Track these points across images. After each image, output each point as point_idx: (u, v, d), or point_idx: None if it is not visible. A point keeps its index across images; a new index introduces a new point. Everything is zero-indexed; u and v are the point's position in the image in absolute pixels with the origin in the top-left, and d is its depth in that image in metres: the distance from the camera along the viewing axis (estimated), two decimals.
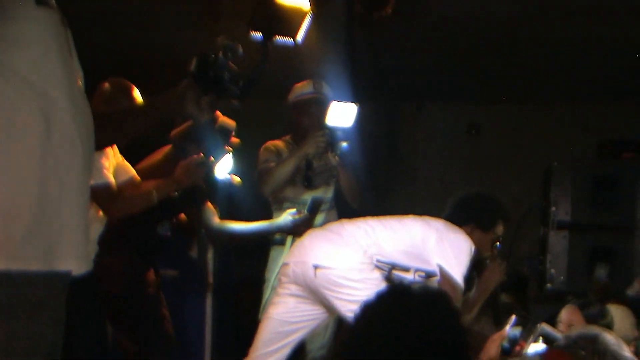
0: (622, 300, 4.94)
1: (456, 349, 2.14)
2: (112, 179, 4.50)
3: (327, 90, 5.49)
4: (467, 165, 9.51)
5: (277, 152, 5.45)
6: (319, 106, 5.40)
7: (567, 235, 6.06)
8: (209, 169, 4.60)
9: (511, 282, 6.71)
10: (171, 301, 5.69)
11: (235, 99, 2.58)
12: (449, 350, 2.12)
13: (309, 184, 5.35)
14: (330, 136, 5.24)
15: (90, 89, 4.67)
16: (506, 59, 7.78)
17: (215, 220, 5.36)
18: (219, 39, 2.54)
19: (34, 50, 2.02)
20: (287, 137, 5.56)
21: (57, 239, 2.03)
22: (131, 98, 4.58)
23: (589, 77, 8.21)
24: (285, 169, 5.31)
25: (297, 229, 5.07)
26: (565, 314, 4.70)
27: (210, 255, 5.80)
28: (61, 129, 2.04)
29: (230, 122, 4.68)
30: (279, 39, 3.62)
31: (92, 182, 4.44)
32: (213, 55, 2.49)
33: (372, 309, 2.21)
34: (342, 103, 5.37)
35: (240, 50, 2.52)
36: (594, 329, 3.05)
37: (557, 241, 6.07)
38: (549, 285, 6.05)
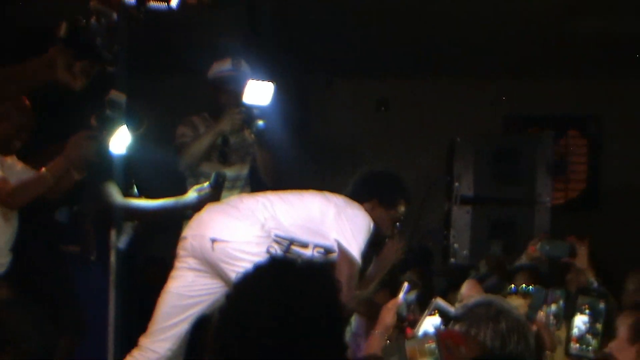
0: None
1: (330, 323, 2.15)
2: (1, 173, 4.46)
3: (245, 68, 5.50)
4: (377, 140, 9.55)
5: (194, 128, 5.46)
6: (237, 84, 5.41)
7: (470, 210, 6.15)
8: (101, 143, 4.54)
9: (415, 257, 6.81)
10: (76, 277, 5.65)
11: (109, 65, 2.51)
12: (322, 324, 2.12)
13: (225, 160, 5.36)
14: (247, 114, 5.25)
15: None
16: (414, 35, 7.83)
17: (118, 197, 5.32)
18: (91, 3, 2.46)
19: None
20: (204, 113, 5.56)
21: None
22: None
23: (496, 53, 8.30)
24: (201, 145, 5.32)
25: (203, 205, 5.05)
26: (466, 288, 4.77)
27: (113, 232, 5.72)
28: None
29: (119, 94, 4.61)
30: (153, 4, 3.57)
31: None
32: (85, 21, 2.42)
33: (249, 279, 2.20)
34: (259, 81, 5.35)
35: (115, 15, 2.45)
36: (489, 297, 3.10)
37: (460, 216, 6.16)
38: (452, 259, 6.13)
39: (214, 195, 5.13)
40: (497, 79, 9.17)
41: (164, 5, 3.60)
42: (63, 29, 2.41)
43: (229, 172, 5.40)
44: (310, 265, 2.27)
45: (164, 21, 4.88)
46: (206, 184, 5.15)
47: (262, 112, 5.35)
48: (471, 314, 2.84)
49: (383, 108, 9.52)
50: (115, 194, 5.30)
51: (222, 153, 5.38)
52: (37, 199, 4.68)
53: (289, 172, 8.91)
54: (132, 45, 3.29)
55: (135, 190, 5.44)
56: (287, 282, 2.14)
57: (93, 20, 2.42)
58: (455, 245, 6.14)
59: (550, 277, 5.16)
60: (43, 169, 4.51)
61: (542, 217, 6.03)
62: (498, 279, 4.75)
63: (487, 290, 4.60)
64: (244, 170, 5.55)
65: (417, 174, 9.27)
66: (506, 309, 2.84)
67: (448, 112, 9.34)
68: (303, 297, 2.11)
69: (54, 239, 5.46)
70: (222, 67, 5.54)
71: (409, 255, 5.19)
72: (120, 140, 4.72)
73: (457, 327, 2.85)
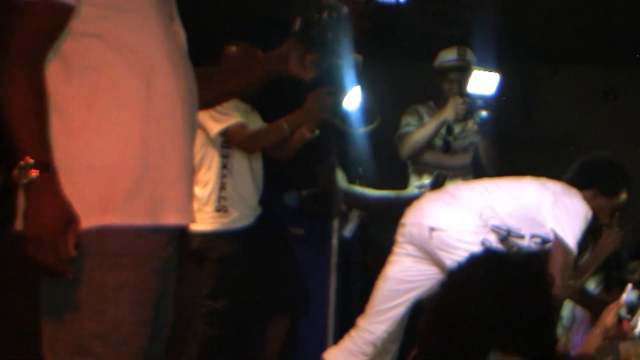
0: None
1: (542, 318, 2.19)
2: (240, 119, 4.73)
3: (471, 57, 5.53)
4: (603, 130, 9.30)
5: (419, 117, 5.55)
6: (462, 73, 5.45)
7: None
8: (337, 100, 4.70)
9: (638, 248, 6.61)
10: (299, 257, 5.88)
11: (339, 58, 2.61)
12: (535, 318, 2.17)
13: (448, 149, 5.42)
14: (470, 104, 5.28)
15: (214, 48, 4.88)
16: None
17: (343, 182, 5.49)
18: None
19: (135, 16, 2.15)
20: (430, 102, 5.63)
21: (160, 194, 2.17)
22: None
23: None
24: (424, 134, 5.40)
25: None
26: None
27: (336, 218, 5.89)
28: (162, 90, 2.17)
29: (357, 55, 4.75)
30: None
31: (224, 125, 4.74)
32: (317, 15, 2.52)
33: (463, 271, 2.27)
34: (484, 71, 5.37)
35: (345, 9, 2.53)
36: None
37: None
38: None
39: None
40: None
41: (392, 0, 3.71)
42: (297, 24, 2.54)
43: (453, 161, 5.46)
44: (524, 259, 2.32)
45: (391, 9, 5.01)
46: (427, 182, 5.22)
47: (486, 102, 5.36)
48: None
49: (611, 97, 9.26)
50: (341, 179, 5.47)
51: (446, 142, 5.44)
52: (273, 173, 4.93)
53: (512, 161, 8.87)
54: (360, 34, 3.41)
55: (360, 176, 5.59)
56: (501, 275, 2.19)
57: (325, 14, 2.51)
58: None
59: None
60: (282, 121, 4.75)
61: None
62: None
63: None
64: (467, 159, 5.59)
65: None
66: None
67: None
68: (516, 291, 2.16)
69: (283, 222, 5.71)
70: (448, 56, 5.59)
71: (630, 245, 5.07)
72: (353, 99, 4.86)
73: None
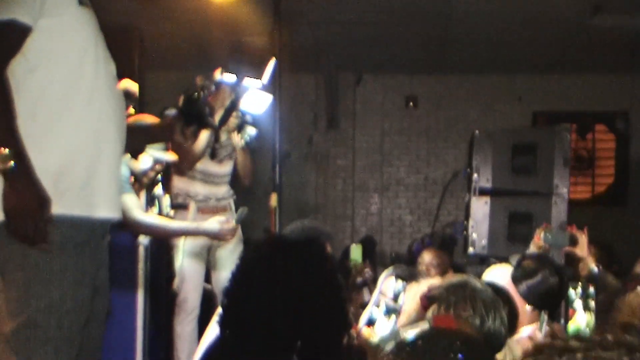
0: None
1: (328, 292, 2.29)
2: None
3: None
4: (405, 136, 9.72)
5: None
6: (242, 91, 5.52)
7: (488, 202, 6.23)
8: None
9: (438, 243, 6.94)
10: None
11: (212, 128, 3.08)
12: (322, 293, 2.27)
13: (214, 157, 5.48)
14: (242, 119, 5.38)
15: None
16: (443, 31, 7.96)
17: (136, 212, 5.36)
18: (197, 79, 3.11)
19: (76, 39, 2.52)
20: None
21: (97, 192, 2.51)
22: None
23: (525, 49, 8.41)
24: (201, 148, 5.40)
25: (223, 236, 5.17)
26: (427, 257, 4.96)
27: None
28: (99, 101, 2.55)
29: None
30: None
31: None
32: (196, 94, 2.97)
33: (250, 258, 2.37)
34: (259, 91, 5.48)
35: (213, 88, 3.14)
36: (462, 277, 3.05)
37: (479, 207, 6.23)
38: (471, 249, 6.21)
39: (235, 229, 5.27)
40: (527, 75, 9.29)
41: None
42: (181, 101, 2.98)
43: (219, 169, 5.51)
44: (303, 238, 2.44)
45: None
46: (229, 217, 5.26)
47: (255, 120, 5.49)
48: (447, 294, 2.81)
49: (411, 103, 9.65)
50: (133, 208, 5.30)
51: (213, 149, 5.51)
52: None
53: (318, 164, 9.09)
54: None
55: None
56: (286, 256, 2.30)
57: (202, 93, 2.99)
58: (474, 236, 6.20)
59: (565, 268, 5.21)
60: None
61: (559, 208, 6.08)
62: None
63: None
64: (230, 167, 5.66)
65: (445, 167, 9.47)
66: (480, 289, 2.84)
67: (476, 108, 9.50)
68: (301, 270, 2.27)
69: None
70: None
71: (431, 239, 5.30)
72: None
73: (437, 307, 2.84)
